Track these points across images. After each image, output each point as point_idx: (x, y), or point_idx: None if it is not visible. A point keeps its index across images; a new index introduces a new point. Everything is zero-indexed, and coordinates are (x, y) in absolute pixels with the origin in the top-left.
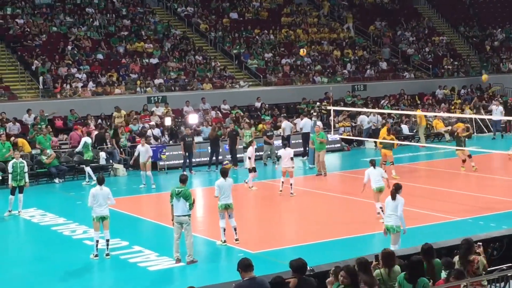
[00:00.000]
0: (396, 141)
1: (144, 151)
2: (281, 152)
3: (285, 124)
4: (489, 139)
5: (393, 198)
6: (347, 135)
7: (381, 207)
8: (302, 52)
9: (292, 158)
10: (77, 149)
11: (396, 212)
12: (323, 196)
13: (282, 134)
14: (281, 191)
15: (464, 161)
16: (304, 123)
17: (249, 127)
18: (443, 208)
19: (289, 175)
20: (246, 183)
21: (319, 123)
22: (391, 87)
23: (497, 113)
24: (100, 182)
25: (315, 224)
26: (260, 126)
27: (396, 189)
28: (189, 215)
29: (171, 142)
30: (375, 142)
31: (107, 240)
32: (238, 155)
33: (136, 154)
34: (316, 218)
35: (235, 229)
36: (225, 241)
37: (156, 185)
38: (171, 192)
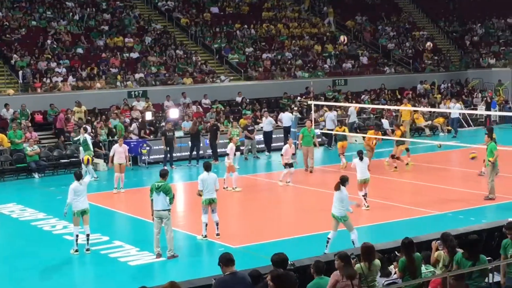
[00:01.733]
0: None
1: (121, 151)
2: (230, 146)
3: (267, 120)
4: (450, 137)
5: (337, 188)
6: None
7: (363, 195)
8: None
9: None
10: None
11: (342, 203)
12: (305, 190)
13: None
14: (226, 187)
15: (394, 156)
16: (283, 117)
17: (236, 126)
18: (423, 202)
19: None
20: (287, 183)
21: (333, 114)
22: (372, 81)
23: (455, 109)
24: (78, 177)
25: (296, 218)
26: (241, 121)
27: (342, 182)
28: (169, 210)
29: (152, 136)
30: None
31: (87, 235)
32: (218, 150)
33: (111, 154)
34: (298, 213)
35: (217, 224)
36: (206, 236)
37: (123, 190)
38: (151, 187)
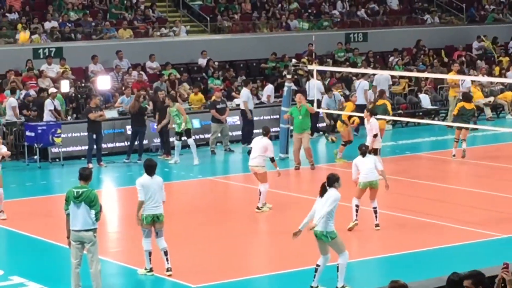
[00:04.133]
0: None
1: None
2: (253, 142)
3: (241, 93)
4: None
5: (322, 193)
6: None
7: (356, 205)
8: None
9: (271, 158)
10: None
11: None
12: (300, 201)
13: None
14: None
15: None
16: (270, 91)
17: (172, 102)
18: (479, 220)
19: (259, 179)
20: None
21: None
22: (405, 36)
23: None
24: None
25: (286, 246)
26: (194, 96)
27: (330, 182)
28: (94, 230)
29: (69, 118)
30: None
31: None
32: (172, 139)
33: None
34: (289, 237)
35: (165, 253)
36: (151, 270)
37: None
38: (66, 195)
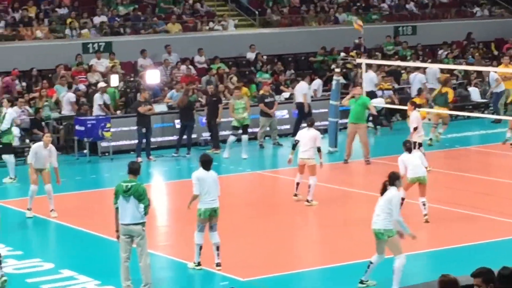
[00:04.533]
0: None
1: (45, 155)
2: (300, 134)
3: (300, 86)
4: None
5: (383, 191)
6: (389, 103)
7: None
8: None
9: (318, 147)
10: (3, 127)
11: (388, 211)
12: (349, 195)
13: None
14: (296, 195)
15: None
16: (318, 85)
17: (240, 95)
18: None
19: (308, 171)
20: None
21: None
22: (454, 29)
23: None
24: None
25: (335, 239)
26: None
27: (391, 180)
28: (143, 224)
29: (119, 112)
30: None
31: None
32: (220, 133)
33: (30, 158)
34: (338, 231)
35: (217, 248)
36: (199, 263)
37: (55, 214)
38: (116, 189)
